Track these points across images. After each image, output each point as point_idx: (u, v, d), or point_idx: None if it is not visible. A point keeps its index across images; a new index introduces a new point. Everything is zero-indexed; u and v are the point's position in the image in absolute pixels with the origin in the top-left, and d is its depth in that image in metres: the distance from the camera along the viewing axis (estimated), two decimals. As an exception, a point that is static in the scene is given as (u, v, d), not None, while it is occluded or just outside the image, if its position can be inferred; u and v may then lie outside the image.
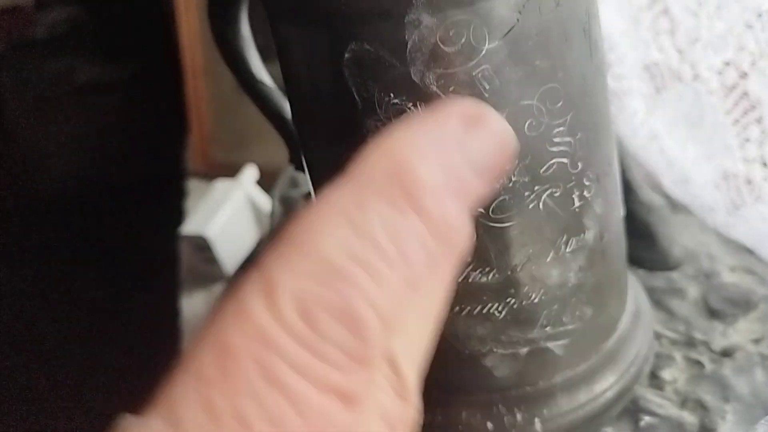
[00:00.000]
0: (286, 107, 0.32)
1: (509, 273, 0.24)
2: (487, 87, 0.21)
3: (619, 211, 0.27)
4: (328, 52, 0.22)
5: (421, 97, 0.21)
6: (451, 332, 0.25)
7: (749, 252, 0.36)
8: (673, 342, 0.32)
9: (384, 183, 0.15)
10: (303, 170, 0.33)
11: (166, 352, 0.58)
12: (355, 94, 0.22)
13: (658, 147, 0.43)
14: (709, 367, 0.30)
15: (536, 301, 0.25)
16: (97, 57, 2.03)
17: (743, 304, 0.32)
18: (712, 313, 0.33)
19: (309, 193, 0.44)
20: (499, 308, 0.24)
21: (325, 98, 0.23)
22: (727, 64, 0.36)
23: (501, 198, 0.23)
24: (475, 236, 0.23)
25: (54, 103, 1.89)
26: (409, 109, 0.22)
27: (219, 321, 0.13)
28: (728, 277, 0.34)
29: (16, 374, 1.02)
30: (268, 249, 0.14)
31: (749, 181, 0.37)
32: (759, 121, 0.36)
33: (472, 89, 0.21)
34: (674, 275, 0.35)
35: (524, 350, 0.25)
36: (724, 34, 0.36)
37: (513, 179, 0.22)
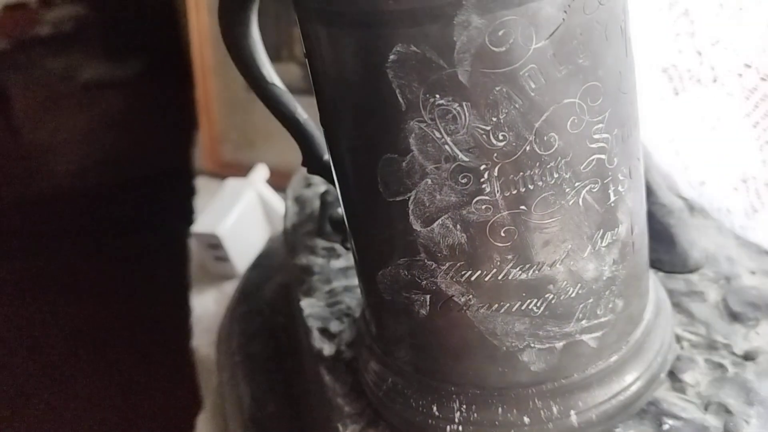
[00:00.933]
0: (298, 109, 0.31)
1: (548, 269, 0.24)
2: (533, 86, 0.22)
3: (644, 204, 0.28)
4: (370, 54, 0.22)
5: (468, 97, 0.21)
6: (489, 329, 0.25)
7: (769, 255, 0.36)
8: (694, 345, 0.32)
9: None
10: (316, 173, 0.33)
11: (176, 351, 0.58)
12: (398, 95, 0.22)
13: (675, 149, 0.43)
14: (731, 370, 0.30)
15: (573, 295, 0.25)
16: (103, 54, 2.04)
17: (765, 308, 0.32)
18: (734, 316, 0.32)
19: (324, 193, 0.44)
20: (538, 304, 0.25)
21: (364, 100, 0.23)
22: (748, 66, 0.36)
23: (543, 195, 0.23)
24: (517, 234, 0.23)
25: (60, 100, 1.89)
26: (455, 109, 0.22)
27: None
28: (749, 280, 0.34)
29: (17, 371, 1.02)
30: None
31: (769, 184, 0.37)
32: (780, 123, 0.36)
33: (519, 89, 0.21)
34: (693, 278, 0.35)
35: (560, 344, 0.26)
36: (746, 36, 0.36)
37: (555, 176, 0.23)
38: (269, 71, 0.31)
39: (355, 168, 0.26)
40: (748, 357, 0.31)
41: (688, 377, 0.30)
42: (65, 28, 2.16)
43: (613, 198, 0.24)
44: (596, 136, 0.23)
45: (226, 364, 0.47)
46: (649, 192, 0.36)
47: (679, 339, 0.32)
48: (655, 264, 0.35)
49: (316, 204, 0.45)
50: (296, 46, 0.68)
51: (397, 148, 0.23)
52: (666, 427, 0.28)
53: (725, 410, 0.29)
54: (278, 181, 0.63)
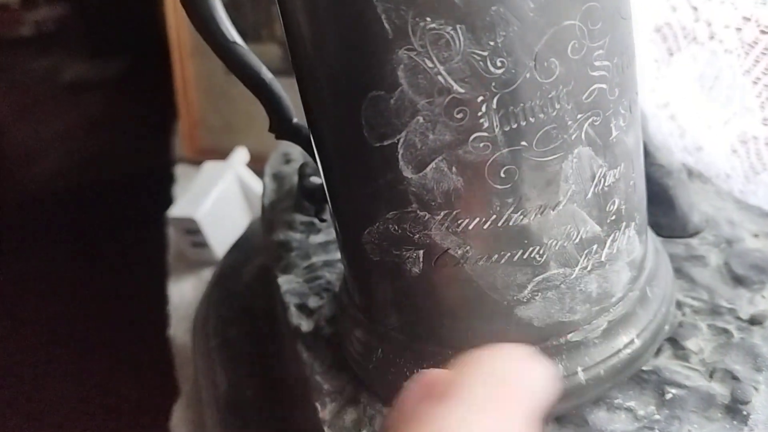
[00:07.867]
0: (263, 69, 0.29)
1: (551, 212, 0.22)
2: (532, 6, 0.20)
3: (641, 144, 0.26)
4: None
5: (462, 19, 0.20)
6: (489, 283, 0.23)
7: (772, 218, 0.34)
8: (696, 311, 0.30)
9: None
10: (285, 138, 0.31)
11: (153, 340, 0.56)
12: (384, 21, 0.20)
13: (670, 114, 0.41)
14: (737, 335, 0.28)
15: (577, 241, 0.23)
16: (85, 54, 2.01)
17: (770, 270, 0.30)
18: (737, 280, 0.31)
19: (302, 165, 0.42)
20: (540, 251, 0.23)
21: (345, 31, 0.21)
22: (747, 19, 0.34)
23: (545, 128, 0.21)
24: (517, 174, 0.21)
25: (42, 100, 1.86)
26: (448, 33, 0.20)
27: None
28: (752, 243, 0.32)
29: (8, 367, 1.00)
30: None
31: (770, 145, 0.35)
32: (781, 79, 0.34)
33: (516, 8, 0.20)
34: (694, 242, 0.33)
35: (565, 295, 0.24)
36: (744, -11, 0.34)
37: (557, 107, 0.21)
38: (229, 29, 0.29)
39: (335, 113, 0.24)
40: (755, 321, 0.29)
41: (691, 344, 0.28)
42: (48, 28, 2.13)
43: (615, 133, 0.23)
44: (597, 63, 0.22)
45: (202, 350, 0.44)
46: (646, 153, 0.34)
47: (680, 305, 0.30)
48: (654, 228, 0.33)
49: (295, 180, 0.43)
50: (276, 26, 0.66)
51: (384, 84, 0.21)
52: (669, 396, 0.26)
53: (732, 377, 0.27)
54: (259, 166, 0.60)
